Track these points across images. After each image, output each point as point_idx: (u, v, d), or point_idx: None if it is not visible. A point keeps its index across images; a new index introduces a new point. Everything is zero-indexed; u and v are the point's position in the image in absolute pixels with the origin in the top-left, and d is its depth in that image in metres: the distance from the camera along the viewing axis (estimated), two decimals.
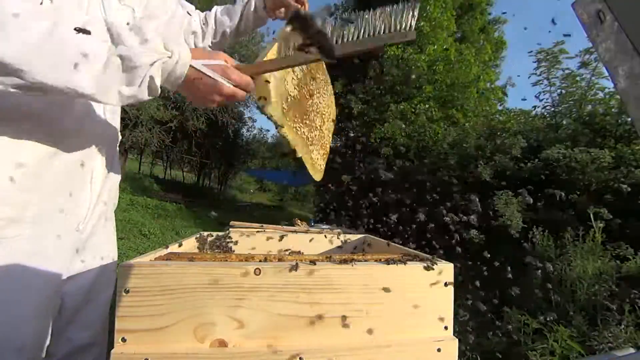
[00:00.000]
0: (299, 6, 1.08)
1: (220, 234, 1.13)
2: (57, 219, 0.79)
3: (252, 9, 1.14)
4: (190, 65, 0.69)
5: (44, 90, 0.61)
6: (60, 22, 0.59)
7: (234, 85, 0.72)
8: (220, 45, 1.20)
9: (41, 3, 0.64)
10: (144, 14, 0.92)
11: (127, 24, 0.88)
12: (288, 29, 0.74)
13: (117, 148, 0.98)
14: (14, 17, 0.54)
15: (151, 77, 0.65)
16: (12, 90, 0.61)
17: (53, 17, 0.59)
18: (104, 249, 0.95)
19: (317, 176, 1.03)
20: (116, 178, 0.97)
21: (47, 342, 0.80)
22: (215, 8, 1.19)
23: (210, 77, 0.70)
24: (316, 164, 1.02)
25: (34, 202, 0.74)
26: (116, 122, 0.95)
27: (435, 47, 6.49)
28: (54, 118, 0.75)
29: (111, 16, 0.83)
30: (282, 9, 1.13)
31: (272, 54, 0.83)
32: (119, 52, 0.63)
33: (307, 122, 0.99)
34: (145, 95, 0.67)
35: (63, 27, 0.59)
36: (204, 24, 1.16)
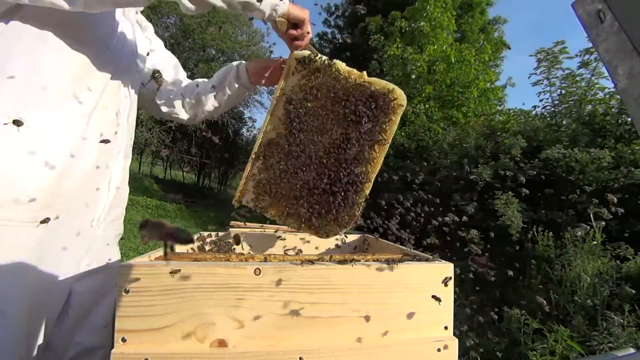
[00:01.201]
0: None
1: (221, 234, 1.13)
2: (80, 212, 0.83)
3: (234, 79, 1.12)
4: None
5: None
6: None
7: None
8: (195, 110, 1.17)
9: None
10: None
11: (147, 54, 1.03)
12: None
13: (130, 156, 1.02)
14: None
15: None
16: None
17: None
18: (112, 250, 0.97)
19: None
20: (126, 185, 1.00)
21: (41, 335, 0.80)
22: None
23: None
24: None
25: (68, 191, 0.78)
26: (133, 129, 1.01)
27: (435, 47, 6.48)
28: (93, 115, 0.82)
29: (139, 42, 0.97)
30: (266, 74, 1.11)
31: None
32: None
33: None
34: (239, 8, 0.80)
35: None
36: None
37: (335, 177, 0.93)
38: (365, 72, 0.93)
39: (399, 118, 0.92)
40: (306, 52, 0.98)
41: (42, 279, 0.76)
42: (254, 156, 0.96)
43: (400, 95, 0.91)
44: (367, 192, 0.95)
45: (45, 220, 0.73)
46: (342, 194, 0.93)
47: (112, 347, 0.62)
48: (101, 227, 0.91)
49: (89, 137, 0.82)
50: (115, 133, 0.90)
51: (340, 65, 0.94)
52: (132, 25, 0.99)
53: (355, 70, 0.94)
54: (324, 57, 0.94)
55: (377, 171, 0.95)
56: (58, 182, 0.76)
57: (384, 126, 0.92)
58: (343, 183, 0.93)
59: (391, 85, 0.91)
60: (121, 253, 1.05)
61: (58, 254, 0.79)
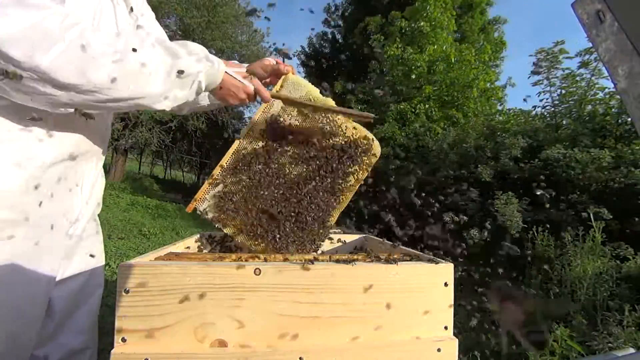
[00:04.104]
0: (286, 70, 1.03)
1: (221, 234, 1.13)
2: (50, 222, 0.79)
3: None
4: (225, 72, 0.87)
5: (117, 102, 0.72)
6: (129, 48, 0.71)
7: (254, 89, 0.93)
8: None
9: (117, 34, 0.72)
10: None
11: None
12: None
13: (104, 156, 0.98)
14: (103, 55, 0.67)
15: (199, 82, 0.81)
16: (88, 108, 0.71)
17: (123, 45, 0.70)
18: (92, 252, 0.95)
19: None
20: (102, 182, 0.98)
21: (33, 344, 0.80)
22: None
23: (239, 80, 0.90)
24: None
25: (31, 204, 0.74)
26: (108, 130, 0.97)
27: (435, 47, 6.48)
28: (59, 123, 0.77)
29: (120, 23, 0.88)
30: (264, 81, 1.09)
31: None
32: (177, 63, 0.76)
33: None
34: (193, 96, 0.83)
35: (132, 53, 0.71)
36: None
37: (304, 205, 0.96)
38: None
39: (370, 167, 1.00)
40: (297, 79, 1.02)
41: (21, 292, 0.74)
42: (225, 164, 0.96)
43: (377, 148, 0.99)
44: (331, 224, 1.00)
45: (11, 235, 0.71)
46: (304, 223, 0.96)
47: (110, 346, 0.62)
48: (77, 232, 0.88)
49: (56, 146, 0.77)
50: (86, 139, 0.85)
51: (331, 103, 1.00)
52: (114, 4, 0.89)
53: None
54: (315, 92, 1.00)
55: (342, 208, 1.00)
56: (25, 196, 0.72)
57: (360, 171, 0.99)
58: (308, 212, 0.96)
59: (371, 135, 0.99)
60: (121, 253, 1.04)
61: (34, 264, 0.76)
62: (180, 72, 0.77)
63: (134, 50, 0.70)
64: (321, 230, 0.97)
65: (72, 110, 0.70)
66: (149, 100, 0.75)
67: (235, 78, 0.89)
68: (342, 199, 0.99)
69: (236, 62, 1.01)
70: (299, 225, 0.95)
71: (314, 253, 0.95)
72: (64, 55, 0.63)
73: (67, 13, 0.66)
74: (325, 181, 0.97)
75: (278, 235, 0.94)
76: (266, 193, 0.95)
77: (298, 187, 0.97)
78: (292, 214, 0.95)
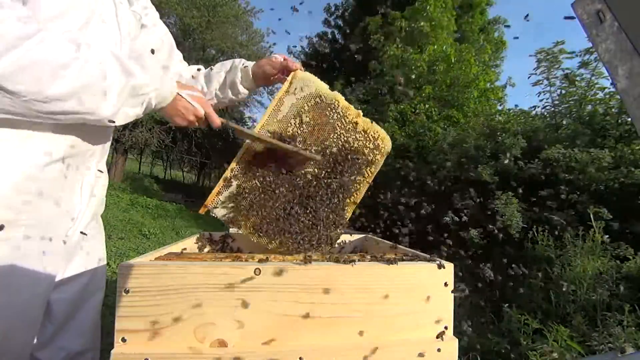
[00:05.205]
0: (295, 67, 1.05)
1: (221, 234, 1.13)
2: (48, 222, 0.79)
3: (237, 79, 1.13)
4: (177, 93, 0.88)
5: (72, 115, 0.70)
6: (89, 58, 0.69)
7: (205, 114, 0.93)
8: None
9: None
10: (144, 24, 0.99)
11: (140, 25, 0.96)
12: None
13: (107, 155, 0.98)
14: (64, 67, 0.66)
15: (149, 100, 0.81)
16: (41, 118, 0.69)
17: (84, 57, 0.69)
18: (92, 255, 0.95)
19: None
20: (104, 181, 0.97)
21: (32, 346, 0.80)
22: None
23: (190, 102, 0.90)
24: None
25: (30, 205, 0.73)
26: (110, 128, 0.96)
27: (435, 47, 6.49)
28: (56, 124, 0.76)
29: (122, 23, 0.88)
30: (274, 77, 1.12)
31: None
32: (131, 82, 0.75)
33: None
34: (142, 114, 0.83)
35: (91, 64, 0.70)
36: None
37: (319, 203, 0.96)
38: (361, 112, 1.00)
39: (382, 163, 1.01)
40: (307, 75, 1.02)
41: (19, 292, 0.74)
42: (237, 165, 0.97)
43: (389, 144, 1.00)
44: (346, 220, 1.00)
45: (10, 236, 0.71)
46: (320, 221, 0.95)
47: (109, 347, 0.62)
48: (77, 234, 0.88)
49: (55, 146, 0.77)
50: (86, 138, 0.85)
51: (340, 98, 0.99)
52: (116, 4, 0.89)
53: (352, 107, 1.00)
54: (325, 88, 1.00)
55: (357, 204, 1.01)
56: (24, 196, 0.72)
57: (372, 168, 0.99)
58: (323, 210, 0.95)
59: (383, 132, 1.00)
60: (121, 253, 1.04)
61: (32, 265, 0.76)
62: (133, 90, 0.76)
63: (92, 65, 0.69)
64: (336, 228, 0.97)
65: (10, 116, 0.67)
66: (97, 117, 0.73)
67: (186, 100, 0.89)
68: (356, 195, 0.99)
69: (192, 85, 1.01)
70: (314, 222, 0.95)
71: (323, 252, 0.95)
72: (19, 62, 0.61)
73: (28, 17, 0.64)
74: (340, 178, 0.97)
75: (294, 234, 0.93)
76: (281, 191, 0.95)
77: (313, 185, 0.96)
78: (307, 211, 0.95)
